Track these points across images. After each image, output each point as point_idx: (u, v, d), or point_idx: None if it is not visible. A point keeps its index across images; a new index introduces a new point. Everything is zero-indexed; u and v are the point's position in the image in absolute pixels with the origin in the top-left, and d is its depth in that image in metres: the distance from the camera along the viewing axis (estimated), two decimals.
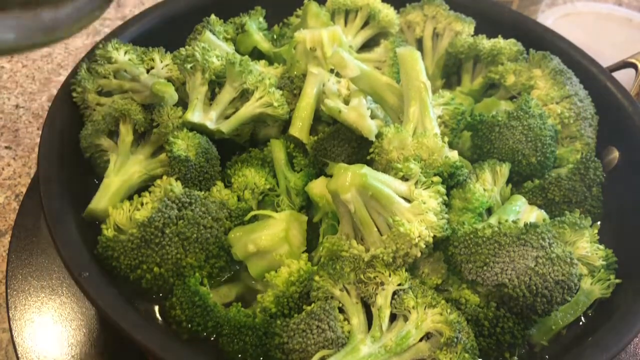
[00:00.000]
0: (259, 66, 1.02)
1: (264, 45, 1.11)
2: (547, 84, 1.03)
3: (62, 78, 0.75)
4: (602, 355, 0.71)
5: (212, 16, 1.10)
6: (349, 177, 0.72)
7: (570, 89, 1.02)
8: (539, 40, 1.14)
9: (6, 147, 1.16)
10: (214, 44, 1.01)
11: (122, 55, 0.94)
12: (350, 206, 0.73)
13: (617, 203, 0.95)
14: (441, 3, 1.15)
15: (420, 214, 0.74)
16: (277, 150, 0.92)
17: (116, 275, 0.79)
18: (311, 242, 0.86)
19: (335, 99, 0.90)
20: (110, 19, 1.52)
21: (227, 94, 0.91)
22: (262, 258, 0.82)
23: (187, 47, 0.94)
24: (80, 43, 1.41)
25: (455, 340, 0.69)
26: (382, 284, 0.73)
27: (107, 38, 0.97)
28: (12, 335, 0.85)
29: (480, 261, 0.74)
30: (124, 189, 0.88)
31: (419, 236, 0.73)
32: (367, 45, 1.14)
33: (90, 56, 0.95)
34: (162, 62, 0.95)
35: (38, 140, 1.11)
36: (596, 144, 1.03)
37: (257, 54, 1.11)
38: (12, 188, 1.09)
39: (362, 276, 0.74)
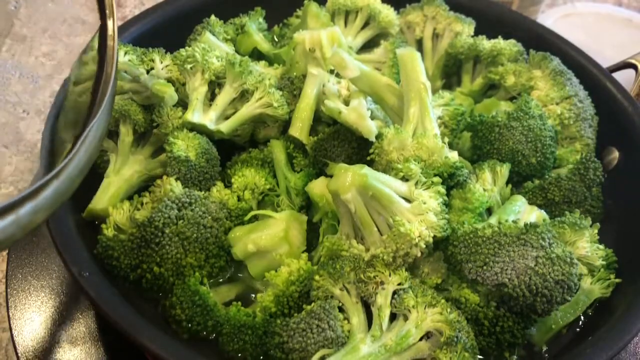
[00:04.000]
0: (259, 67, 1.02)
1: (264, 45, 1.11)
2: (547, 84, 1.04)
3: (64, 75, 0.75)
4: (602, 354, 0.71)
5: (212, 17, 1.10)
6: (349, 177, 0.72)
7: (570, 89, 1.02)
8: (539, 40, 1.14)
9: (8, 144, 1.16)
10: (213, 44, 1.01)
11: (122, 55, 0.94)
12: (350, 206, 0.73)
13: (617, 203, 0.95)
14: (441, 3, 1.15)
15: (420, 214, 0.74)
16: (277, 151, 0.92)
17: (116, 275, 0.79)
18: (311, 242, 0.86)
19: (335, 100, 0.90)
20: None
21: (227, 95, 0.92)
22: (262, 258, 0.82)
23: (187, 47, 0.94)
24: (81, 41, 1.41)
25: (455, 339, 0.69)
26: (382, 283, 0.73)
27: None
28: (12, 335, 0.85)
29: (480, 261, 0.74)
30: (124, 189, 0.88)
31: (419, 236, 0.73)
32: (367, 46, 1.14)
33: None
34: (162, 62, 0.95)
35: (40, 137, 1.11)
36: (596, 144, 1.03)
37: (257, 55, 1.11)
38: (15, 184, 1.09)
39: (362, 276, 0.74)
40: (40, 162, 0.65)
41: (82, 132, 0.55)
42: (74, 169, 0.53)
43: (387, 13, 1.13)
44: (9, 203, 0.46)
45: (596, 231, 0.87)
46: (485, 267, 0.74)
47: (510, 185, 0.94)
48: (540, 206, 0.90)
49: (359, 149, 0.88)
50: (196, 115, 0.89)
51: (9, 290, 0.90)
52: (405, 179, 0.78)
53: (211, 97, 0.94)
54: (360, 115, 0.85)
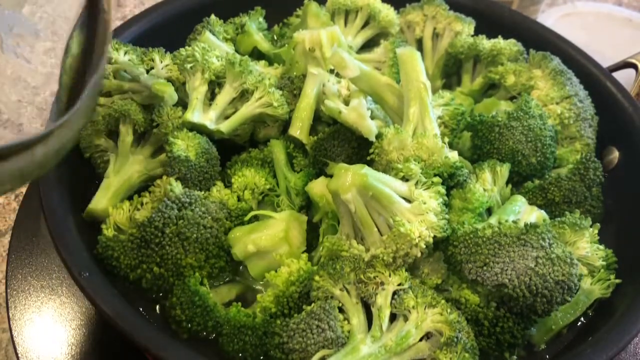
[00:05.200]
0: (259, 66, 1.02)
1: (264, 45, 1.11)
2: (547, 84, 1.03)
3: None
4: (602, 355, 0.71)
5: (212, 16, 1.10)
6: (349, 177, 0.72)
7: (570, 89, 1.02)
8: (539, 40, 1.14)
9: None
10: (213, 44, 1.01)
11: (122, 55, 0.94)
12: (350, 206, 0.73)
13: (617, 203, 0.95)
14: (441, 3, 1.15)
15: (420, 214, 0.74)
16: (277, 151, 0.92)
17: (116, 275, 0.79)
18: (311, 242, 0.86)
19: (335, 100, 0.90)
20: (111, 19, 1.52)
21: (226, 94, 0.92)
22: (262, 258, 0.82)
23: (187, 47, 0.94)
24: None
25: (455, 339, 0.69)
26: (382, 283, 0.73)
27: None
28: (12, 335, 0.85)
29: (480, 261, 0.74)
30: (124, 189, 0.88)
31: (419, 236, 0.73)
32: (367, 46, 1.14)
33: None
34: (162, 62, 0.95)
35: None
36: (596, 144, 1.03)
37: (257, 54, 1.11)
38: None
39: (362, 276, 0.74)
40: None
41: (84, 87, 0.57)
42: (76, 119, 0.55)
43: (387, 12, 1.13)
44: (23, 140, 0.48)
45: (596, 231, 0.87)
46: (485, 268, 0.74)
47: (510, 185, 0.94)
48: (540, 206, 0.90)
49: (359, 149, 0.88)
50: (196, 115, 0.89)
51: (9, 290, 0.90)
52: (405, 179, 0.78)
53: (211, 96, 0.94)
54: (360, 115, 0.85)
